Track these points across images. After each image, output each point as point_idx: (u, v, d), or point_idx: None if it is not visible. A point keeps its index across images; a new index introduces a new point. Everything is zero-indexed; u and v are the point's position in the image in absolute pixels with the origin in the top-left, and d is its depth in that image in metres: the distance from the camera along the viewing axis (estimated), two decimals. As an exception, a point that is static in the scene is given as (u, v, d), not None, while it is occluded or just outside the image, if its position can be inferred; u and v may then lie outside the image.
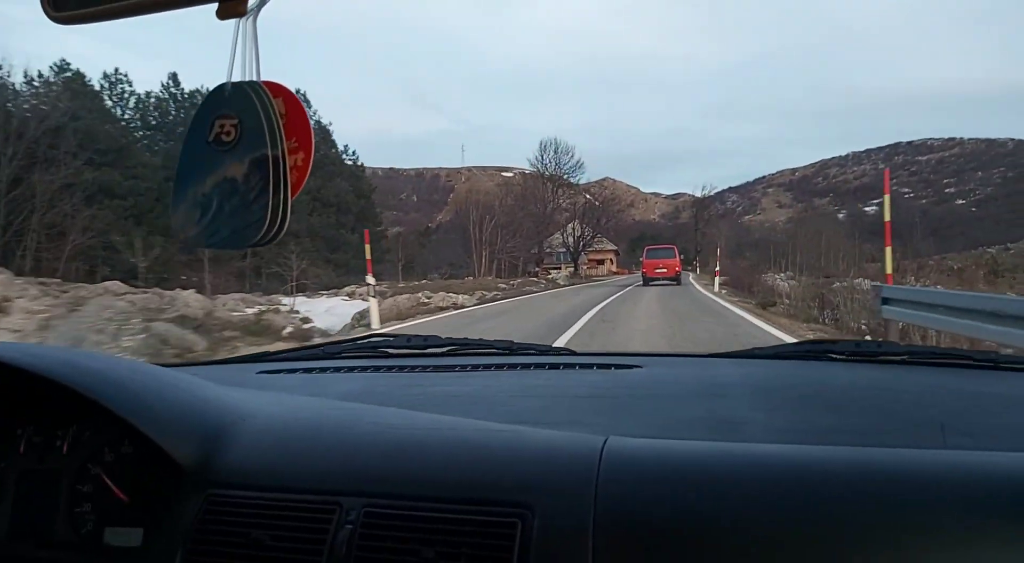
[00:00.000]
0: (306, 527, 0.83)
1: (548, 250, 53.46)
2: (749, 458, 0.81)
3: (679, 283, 28.03)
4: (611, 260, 63.91)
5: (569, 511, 0.76)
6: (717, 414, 1.08)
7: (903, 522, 0.69)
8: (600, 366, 1.46)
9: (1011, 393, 1.21)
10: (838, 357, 1.42)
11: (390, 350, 1.65)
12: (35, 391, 1.04)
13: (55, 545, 0.99)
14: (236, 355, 2.72)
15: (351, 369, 1.53)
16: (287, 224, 0.75)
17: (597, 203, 57.11)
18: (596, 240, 54.61)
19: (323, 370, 1.53)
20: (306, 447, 0.94)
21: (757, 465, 0.79)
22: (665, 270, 28.82)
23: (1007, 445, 0.86)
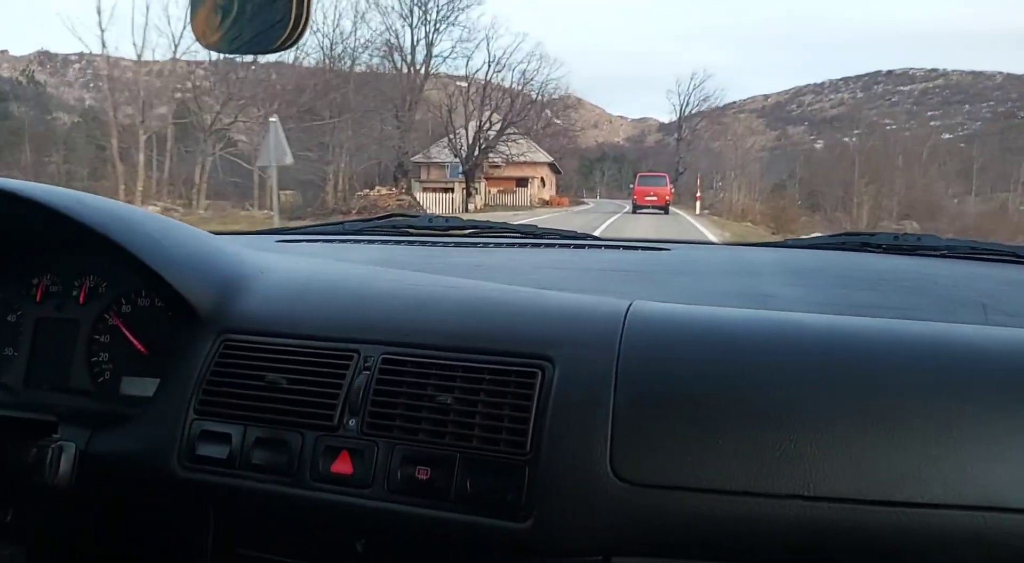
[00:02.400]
0: (323, 371, 0.84)
1: (432, 160, 36.41)
2: (779, 324, 0.80)
3: (667, 212, 29.14)
4: (542, 180, 42.93)
5: (591, 365, 0.77)
6: (746, 288, 1.06)
7: (939, 389, 0.70)
8: (627, 247, 1.44)
9: None
10: (875, 249, 1.39)
11: (412, 229, 1.61)
12: (51, 235, 1.04)
13: (71, 392, 1.02)
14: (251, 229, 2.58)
15: (371, 242, 1.52)
16: (310, 22, 0.74)
17: (527, 95, 37.05)
18: (509, 142, 34.56)
19: (344, 241, 1.51)
20: (324, 298, 0.95)
21: (787, 331, 0.79)
22: (655, 198, 29.80)
23: None
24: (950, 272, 1.25)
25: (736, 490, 0.70)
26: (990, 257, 1.34)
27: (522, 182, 40.44)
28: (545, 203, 39.14)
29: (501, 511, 0.75)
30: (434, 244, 1.50)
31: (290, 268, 1.06)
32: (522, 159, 37.34)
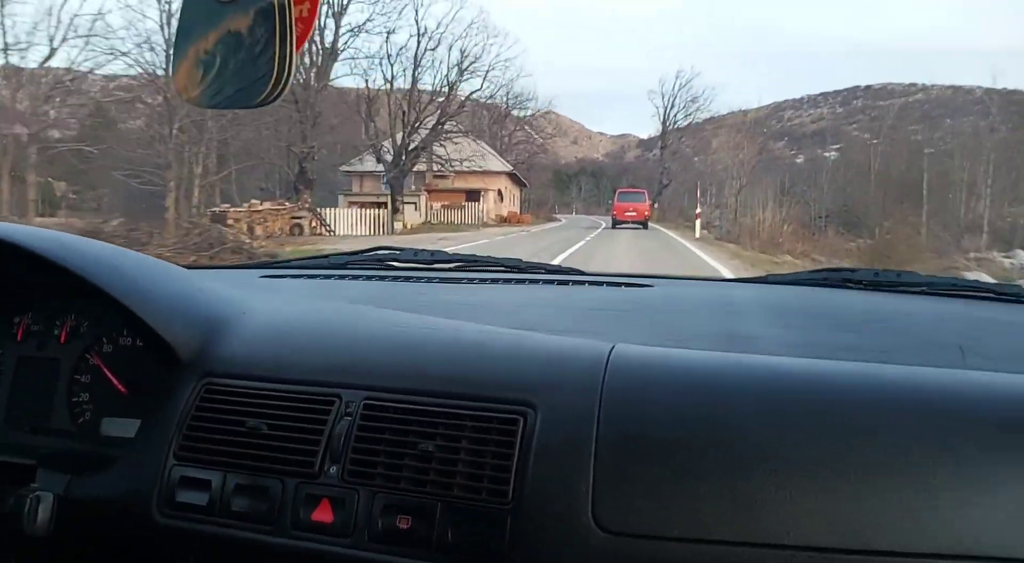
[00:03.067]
0: (305, 417, 0.85)
1: (365, 169, 31.03)
2: (760, 369, 0.81)
3: (646, 227, 29.59)
4: (500, 193, 37.40)
5: (573, 412, 0.78)
6: (729, 329, 1.08)
7: (917, 435, 0.71)
8: (610, 284, 1.45)
9: None
10: (855, 285, 1.40)
11: (396, 263, 1.63)
12: (33, 277, 1.06)
13: (51, 433, 1.02)
14: (235, 263, 2.82)
15: (356, 277, 1.51)
16: (292, 79, 0.75)
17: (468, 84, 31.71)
18: (449, 143, 27.92)
19: (328, 277, 1.51)
20: (307, 341, 0.96)
21: (768, 376, 0.80)
22: (635, 214, 30.30)
23: None
24: (930, 311, 1.26)
25: (716, 539, 0.69)
26: (969, 295, 1.35)
27: (473, 195, 34.04)
28: (502, 221, 33.79)
29: (482, 561, 0.75)
30: (418, 279, 1.49)
31: (273, 308, 1.06)
32: (472, 167, 30.22)
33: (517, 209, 43.25)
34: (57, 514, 0.87)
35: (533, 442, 0.77)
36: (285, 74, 0.74)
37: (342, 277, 1.52)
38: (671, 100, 61.84)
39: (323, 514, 0.80)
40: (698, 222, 21.43)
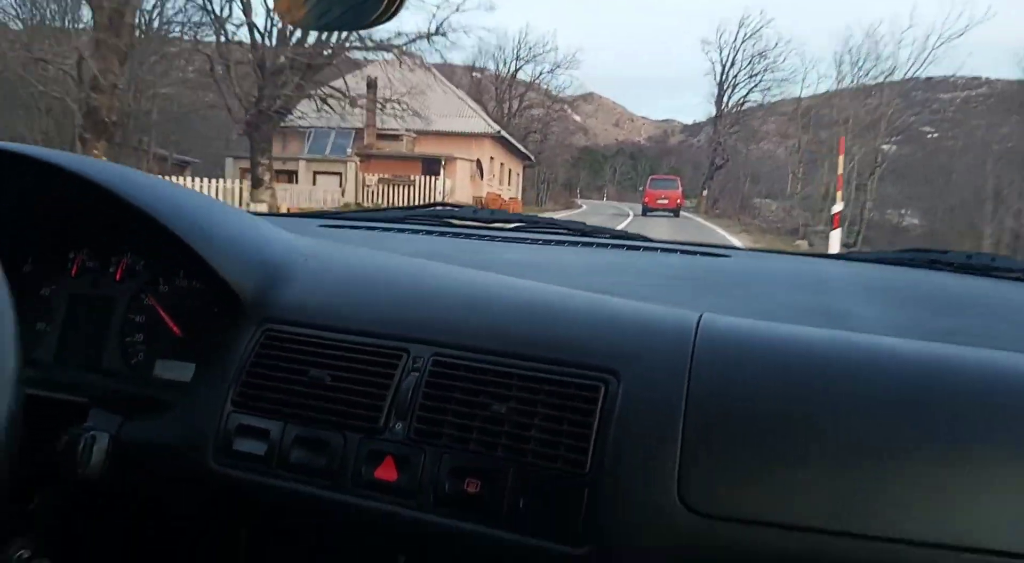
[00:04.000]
0: (370, 371, 0.83)
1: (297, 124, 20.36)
2: (866, 348, 0.77)
3: (678, 215, 29.64)
4: (479, 165, 26.32)
5: (660, 383, 0.75)
6: (821, 303, 1.03)
7: None
8: (684, 252, 1.39)
9: None
10: (945, 267, 1.34)
11: (454, 220, 1.59)
12: (92, 211, 1.03)
13: (103, 372, 1.01)
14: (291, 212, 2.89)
15: (415, 231, 1.49)
16: (404, 1, 0.71)
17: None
18: (389, 66, 17.43)
19: (386, 229, 1.50)
20: (372, 291, 0.94)
21: (875, 356, 0.76)
22: (667, 201, 29.98)
23: None
24: None
25: (813, 527, 0.66)
26: None
27: (432, 165, 22.94)
28: (479, 205, 16.16)
29: (556, 534, 0.72)
30: (480, 237, 1.45)
31: (335, 256, 1.04)
32: (431, 127, 21.71)
33: (515, 190, 33.92)
34: (111, 456, 0.86)
35: (615, 412, 0.74)
36: None
37: (401, 230, 1.50)
38: (731, 54, 47.95)
39: (387, 472, 0.77)
40: (836, 233, 11.17)
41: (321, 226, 1.48)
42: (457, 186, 23.95)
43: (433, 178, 22.37)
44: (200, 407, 0.87)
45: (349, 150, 23.15)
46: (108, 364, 1.02)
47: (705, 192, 43.08)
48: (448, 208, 1.67)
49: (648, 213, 29.92)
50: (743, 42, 46.64)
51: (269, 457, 0.82)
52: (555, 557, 0.71)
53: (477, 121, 28.87)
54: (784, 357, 0.76)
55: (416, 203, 17.75)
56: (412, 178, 21.83)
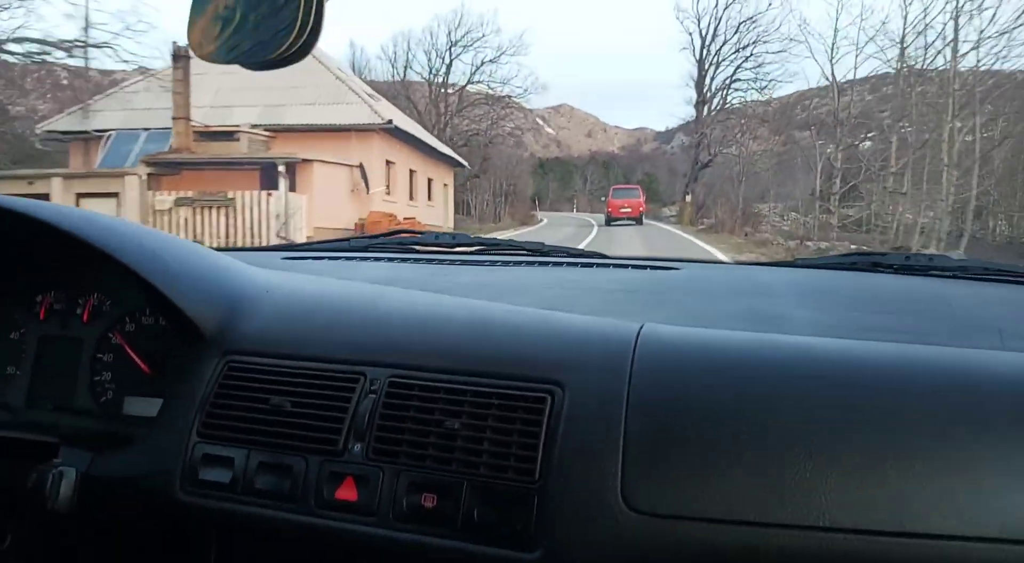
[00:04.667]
0: (329, 395, 0.86)
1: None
2: (793, 349, 0.82)
3: (640, 223, 30.38)
4: (362, 173, 17.59)
5: (602, 391, 0.79)
6: (759, 310, 1.08)
7: (958, 416, 0.71)
8: (636, 266, 1.46)
9: None
10: (886, 269, 1.41)
11: (417, 246, 1.65)
12: (56, 254, 1.07)
13: (74, 412, 1.04)
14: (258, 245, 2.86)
15: (377, 259, 1.54)
16: (320, 34, 0.72)
17: None
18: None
19: (349, 259, 1.54)
20: (331, 318, 0.97)
21: (802, 356, 0.81)
22: (630, 210, 30.88)
23: None
24: (964, 294, 1.26)
25: (750, 520, 0.70)
26: (1004, 278, 1.35)
27: (270, 176, 15.02)
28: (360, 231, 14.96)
29: (509, 541, 0.75)
30: (440, 262, 1.50)
31: (295, 287, 1.08)
32: (280, 121, 16.46)
33: (442, 205, 25.79)
34: (80, 492, 0.88)
35: (561, 421, 0.78)
36: (310, 26, 0.71)
37: (363, 259, 1.54)
38: (713, 22, 37.28)
39: (347, 492, 0.81)
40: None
41: (284, 258, 1.51)
42: (320, 203, 15.41)
43: (267, 196, 13.95)
44: (167, 439, 0.90)
45: (133, 157, 15.22)
46: (79, 404, 1.05)
47: (688, 197, 35.65)
48: (412, 236, 1.72)
49: (612, 222, 30.51)
50: (727, 7, 36.16)
51: (234, 484, 0.85)
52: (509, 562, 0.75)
53: (361, 109, 18.41)
54: (717, 361, 0.80)
55: (227, 236, 13.69)
56: (230, 196, 13.82)
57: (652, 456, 0.74)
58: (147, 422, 0.95)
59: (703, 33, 37.41)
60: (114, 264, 0.93)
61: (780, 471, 0.70)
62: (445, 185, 27.86)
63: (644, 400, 0.77)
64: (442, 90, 36.44)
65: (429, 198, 24.97)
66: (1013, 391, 0.73)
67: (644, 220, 31.54)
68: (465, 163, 29.41)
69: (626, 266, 1.46)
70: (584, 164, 78.22)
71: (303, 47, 0.72)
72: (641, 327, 0.87)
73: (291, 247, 1.77)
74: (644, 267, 1.44)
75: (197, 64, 13.06)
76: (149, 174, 14.52)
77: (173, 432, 0.90)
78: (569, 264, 1.49)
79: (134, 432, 0.94)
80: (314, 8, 0.71)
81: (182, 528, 0.91)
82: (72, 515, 0.88)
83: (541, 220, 39.87)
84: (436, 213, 24.87)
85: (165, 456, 0.89)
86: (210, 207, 13.97)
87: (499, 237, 1.68)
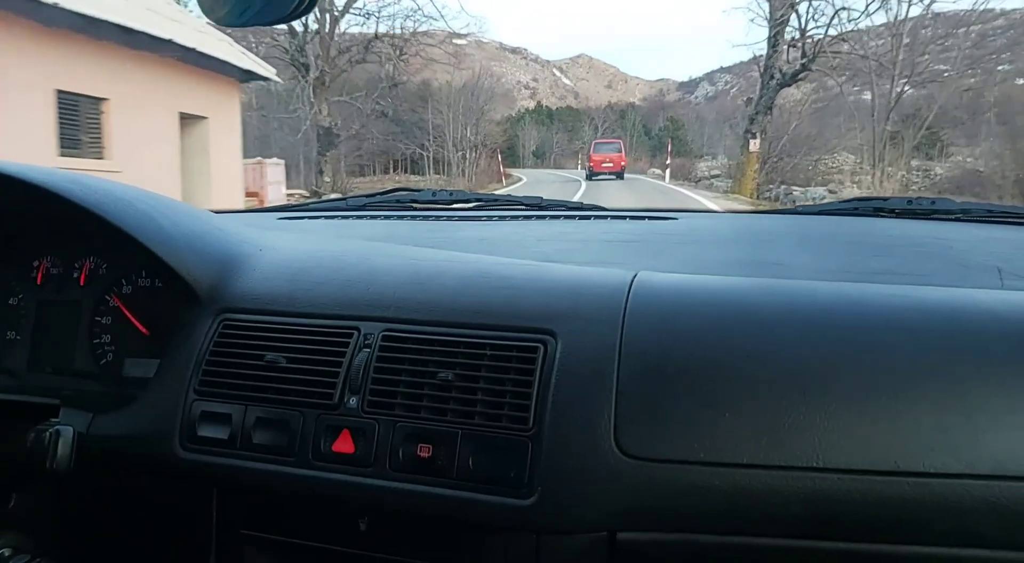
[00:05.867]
0: (323, 350, 0.89)
1: None
2: (787, 292, 0.84)
3: (622, 178, 30.66)
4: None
5: (594, 339, 0.80)
6: (757, 257, 1.10)
7: (954, 355, 0.73)
8: (634, 217, 1.49)
9: None
10: (888, 214, 1.43)
11: (415, 203, 1.67)
12: (51, 218, 1.10)
13: (74, 374, 1.07)
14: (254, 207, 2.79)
15: (374, 217, 1.58)
16: None
17: None
18: None
19: (346, 218, 1.57)
20: (324, 276, 0.99)
21: (796, 299, 0.82)
22: (611, 164, 31.09)
23: None
24: (965, 236, 1.27)
25: (743, 463, 0.72)
26: (1006, 219, 1.36)
27: None
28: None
29: (504, 488, 0.78)
30: (438, 218, 1.52)
31: (290, 246, 1.10)
32: None
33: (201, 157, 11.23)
34: (79, 450, 0.91)
35: (554, 370, 0.79)
36: None
37: (360, 217, 1.57)
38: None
39: (344, 444, 0.83)
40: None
41: (280, 218, 1.53)
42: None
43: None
44: (164, 397, 0.92)
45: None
46: (79, 366, 1.07)
47: (754, 143, 21.46)
48: (409, 192, 1.71)
49: (594, 177, 30.63)
50: None
51: (233, 440, 0.87)
52: (505, 509, 0.77)
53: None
54: (710, 306, 0.81)
55: None
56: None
57: (644, 402, 0.75)
58: (146, 382, 0.96)
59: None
60: (108, 227, 0.95)
61: (773, 413, 0.72)
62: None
63: (636, 347, 0.78)
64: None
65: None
66: (1008, 329, 0.74)
67: (672, 186, 27.60)
68: (273, 77, 13.94)
69: (624, 218, 1.48)
70: (599, 113, 74.23)
71: (310, 4, 0.74)
72: (635, 275, 0.88)
73: (288, 208, 1.77)
74: (642, 218, 1.47)
75: None
76: None
77: (171, 391, 0.92)
78: (567, 217, 1.50)
79: (134, 393, 0.95)
80: None
81: (182, 487, 0.92)
82: (74, 475, 0.90)
83: (522, 178, 34.87)
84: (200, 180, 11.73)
85: (164, 414, 0.91)
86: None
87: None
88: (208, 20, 0.87)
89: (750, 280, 0.88)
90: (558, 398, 0.78)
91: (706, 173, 30.13)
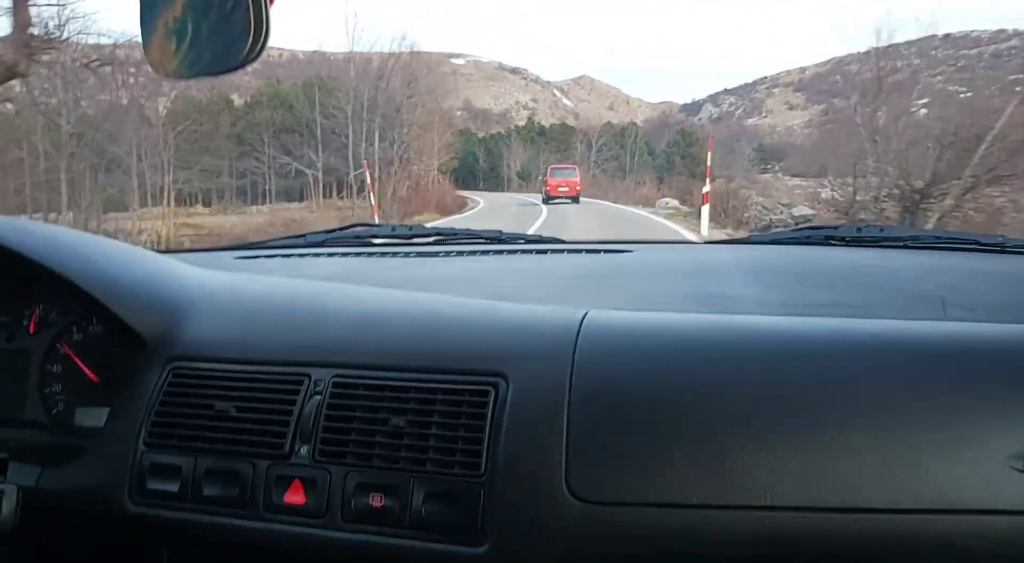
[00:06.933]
0: (274, 398, 0.89)
1: None
2: (733, 328, 0.85)
3: (578, 202, 30.58)
4: None
5: (545, 380, 0.81)
6: (705, 291, 1.12)
7: (896, 389, 0.74)
8: (589, 251, 1.51)
9: (1015, 272, 1.26)
10: (838, 242, 1.47)
11: (375, 239, 1.72)
12: None
13: (24, 425, 1.06)
14: (214, 245, 2.81)
15: (332, 254, 1.59)
16: (270, 33, 0.76)
17: None
18: None
19: (303, 256, 1.57)
20: (275, 321, 1.00)
21: (741, 335, 0.84)
22: (567, 189, 31.24)
23: (1008, 319, 0.88)
24: (913, 264, 1.30)
25: (694, 503, 0.73)
26: (952, 247, 1.38)
27: None
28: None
29: (457, 536, 0.78)
30: (395, 254, 1.53)
31: (240, 288, 1.10)
32: None
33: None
34: (26, 506, 0.91)
35: (505, 413, 0.80)
36: (263, 27, 0.74)
37: (318, 255, 1.56)
38: None
39: (295, 495, 0.83)
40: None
41: (237, 258, 1.52)
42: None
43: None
44: (114, 449, 0.92)
45: None
46: (30, 416, 1.06)
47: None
48: (367, 227, 1.74)
49: (550, 201, 30.54)
50: None
51: (183, 492, 0.87)
52: (459, 558, 0.78)
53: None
54: (658, 345, 0.83)
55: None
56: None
57: (595, 444, 0.76)
58: (96, 432, 0.96)
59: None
60: (54, 275, 0.95)
61: (721, 453, 0.73)
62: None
63: (587, 388, 0.79)
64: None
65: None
66: (949, 362, 0.75)
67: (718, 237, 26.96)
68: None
69: (579, 251, 1.50)
70: (594, 133, 67.56)
71: (260, 50, 0.75)
72: (585, 314, 0.88)
73: (247, 246, 1.79)
74: (598, 251, 1.48)
75: None
76: None
77: (120, 442, 0.92)
78: (523, 251, 1.51)
79: (85, 443, 0.95)
80: (264, 9, 0.74)
81: (132, 540, 0.92)
82: (19, 530, 0.90)
83: (479, 202, 32.95)
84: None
85: (113, 467, 0.91)
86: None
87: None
88: (159, 74, 0.85)
89: (698, 317, 0.89)
90: (510, 442, 0.78)
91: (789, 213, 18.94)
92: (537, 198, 38.80)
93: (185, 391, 0.91)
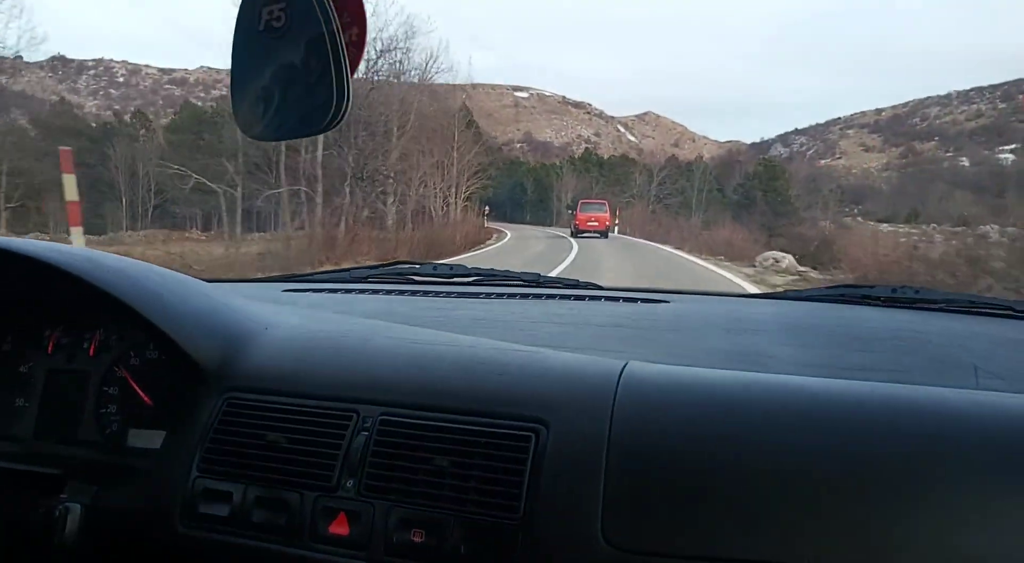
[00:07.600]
0: (323, 432, 0.93)
1: None
2: (770, 388, 0.88)
3: (607, 236, 31.79)
4: None
5: (584, 429, 0.84)
6: (742, 347, 1.15)
7: (927, 456, 0.75)
8: (627, 299, 1.55)
9: None
10: (874, 302, 1.51)
11: (416, 277, 1.81)
12: (63, 291, 1.14)
13: (79, 443, 1.11)
14: (262, 276, 2.96)
15: (376, 291, 1.67)
16: (351, 103, 0.82)
17: None
18: None
19: (348, 291, 1.67)
20: (326, 357, 1.05)
21: (778, 395, 0.86)
22: (596, 223, 32.54)
23: None
24: (947, 329, 1.32)
25: (726, 558, 0.74)
26: (987, 312, 1.41)
27: None
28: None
29: None
30: (436, 294, 1.60)
31: (294, 324, 1.16)
32: None
33: None
34: (84, 526, 0.95)
35: (544, 459, 0.83)
36: (345, 98, 0.80)
37: (362, 291, 1.66)
38: None
39: (340, 527, 0.87)
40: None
41: (285, 291, 1.62)
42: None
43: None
44: (168, 474, 0.96)
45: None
46: (84, 435, 1.11)
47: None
48: (410, 265, 1.84)
49: (579, 234, 32.20)
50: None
51: (232, 518, 0.91)
52: None
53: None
54: (696, 400, 0.85)
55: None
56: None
57: (631, 494, 0.78)
58: (150, 454, 1.01)
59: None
60: (119, 304, 1.00)
61: (757, 509, 0.74)
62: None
63: (625, 439, 0.81)
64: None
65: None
66: (982, 432, 0.76)
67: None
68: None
69: (617, 299, 1.55)
70: (656, 165, 64.55)
71: (341, 117, 0.80)
72: (625, 365, 0.92)
73: (293, 278, 1.89)
74: (635, 300, 1.53)
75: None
76: None
77: (175, 467, 0.96)
78: (562, 297, 1.57)
79: (137, 464, 1.00)
80: (345, 81, 0.79)
81: (181, 561, 0.95)
82: (78, 548, 0.94)
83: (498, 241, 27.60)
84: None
85: (166, 490, 0.95)
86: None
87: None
88: (247, 135, 0.91)
89: (735, 374, 0.91)
90: (548, 488, 0.81)
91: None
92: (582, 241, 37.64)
93: (239, 421, 0.95)
